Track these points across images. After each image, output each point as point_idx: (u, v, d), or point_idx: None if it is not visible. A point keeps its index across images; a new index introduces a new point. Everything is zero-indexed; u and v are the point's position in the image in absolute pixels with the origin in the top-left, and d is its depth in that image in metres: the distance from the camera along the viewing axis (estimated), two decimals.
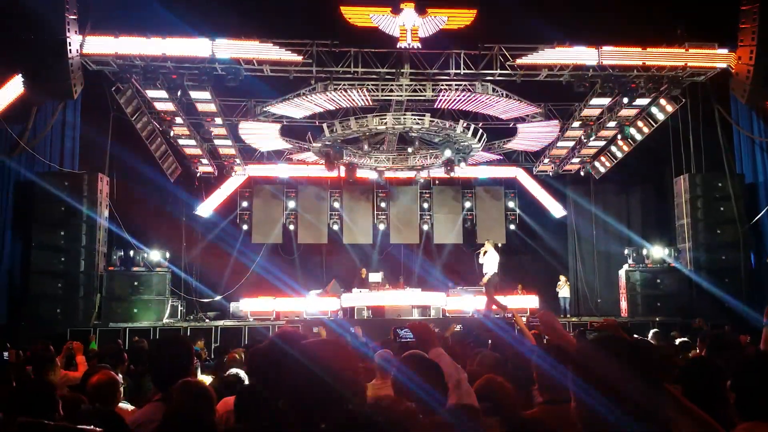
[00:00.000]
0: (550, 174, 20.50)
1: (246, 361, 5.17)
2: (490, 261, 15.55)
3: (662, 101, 15.59)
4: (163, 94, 14.46)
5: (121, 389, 4.53)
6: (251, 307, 16.99)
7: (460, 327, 10.88)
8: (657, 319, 15.32)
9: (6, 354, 7.20)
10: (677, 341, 8.42)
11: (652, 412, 1.98)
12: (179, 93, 14.55)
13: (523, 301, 17.37)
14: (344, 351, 2.49)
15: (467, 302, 17.21)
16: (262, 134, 17.50)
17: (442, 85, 15.26)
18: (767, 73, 13.80)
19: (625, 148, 17.83)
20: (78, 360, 6.90)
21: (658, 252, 17.14)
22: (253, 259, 20.03)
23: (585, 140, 17.96)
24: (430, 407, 3.09)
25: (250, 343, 12.45)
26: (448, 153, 16.87)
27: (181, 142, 17.26)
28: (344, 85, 14.96)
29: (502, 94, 15.37)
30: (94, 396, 4.45)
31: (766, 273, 15.47)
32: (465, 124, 15.83)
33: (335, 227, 20.96)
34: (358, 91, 15.05)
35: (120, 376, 5.00)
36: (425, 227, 21.35)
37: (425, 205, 21.43)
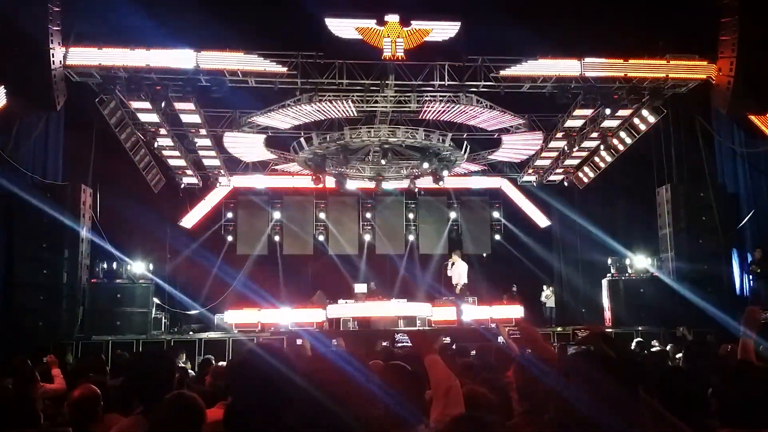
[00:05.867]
0: (535, 184, 20.65)
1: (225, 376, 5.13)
2: (459, 272, 15.54)
3: (644, 112, 15.75)
4: (147, 105, 14.43)
5: (102, 403, 4.49)
6: (236, 319, 16.87)
7: (448, 339, 10.91)
8: (640, 328, 15.40)
9: None
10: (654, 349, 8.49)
11: (629, 423, 2.01)
12: (163, 104, 14.54)
13: (509, 311, 17.39)
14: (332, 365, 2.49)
15: (453, 313, 17.29)
16: (246, 145, 17.49)
17: (427, 96, 15.35)
18: (747, 84, 13.98)
19: (609, 159, 17.99)
20: (54, 373, 6.86)
21: (641, 261, 17.25)
22: (238, 270, 19.94)
23: (568, 151, 18.11)
24: (403, 421, 3.10)
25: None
26: (426, 165, 16.92)
27: (165, 153, 17.21)
28: (329, 96, 15.01)
29: (486, 105, 15.49)
30: (75, 409, 4.42)
31: (749, 281, 15.60)
32: (440, 138, 15.87)
33: (321, 238, 20.94)
34: (343, 103, 15.10)
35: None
36: (411, 237, 21.38)
37: (411, 216, 21.47)
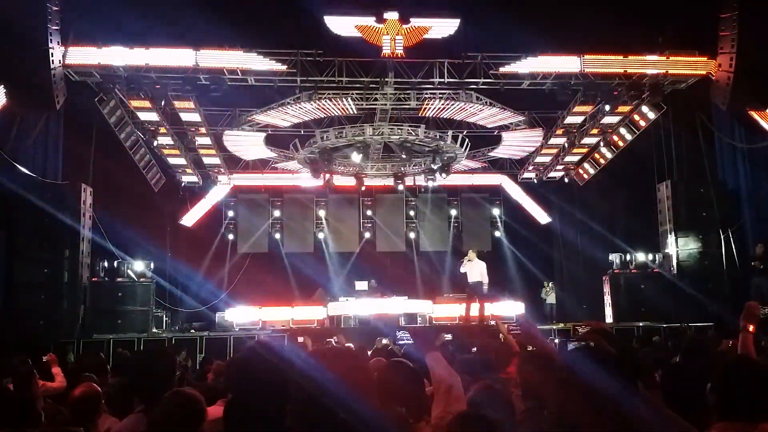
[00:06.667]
0: (535, 181, 20.66)
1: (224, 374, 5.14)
2: (474, 270, 15.62)
3: (644, 108, 15.75)
4: (146, 104, 14.45)
5: (103, 401, 4.50)
6: (237, 317, 16.91)
7: (449, 336, 10.90)
8: (641, 324, 15.40)
9: None
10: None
11: (626, 418, 2.01)
12: (163, 103, 14.53)
13: (509, 308, 17.41)
14: (340, 357, 2.49)
15: (455, 310, 17.38)
16: (246, 143, 17.49)
17: (427, 93, 15.34)
18: (747, 80, 13.96)
19: (609, 155, 18.00)
20: (54, 371, 6.87)
21: (641, 257, 17.26)
22: (239, 268, 19.97)
23: (568, 147, 18.11)
24: (413, 412, 3.12)
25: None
26: (431, 162, 16.95)
27: (165, 152, 17.22)
28: (329, 94, 14.99)
29: (486, 102, 15.48)
30: (76, 408, 4.42)
31: (750, 278, 15.58)
32: (437, 135, 15.91)
33: (321, 236, 20.95)
34: (342, 101, 15.09)
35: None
36: (411, 235, 21.39)
37: (411, 213, 21.48)
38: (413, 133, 16.03)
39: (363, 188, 19.35)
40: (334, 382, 2.09)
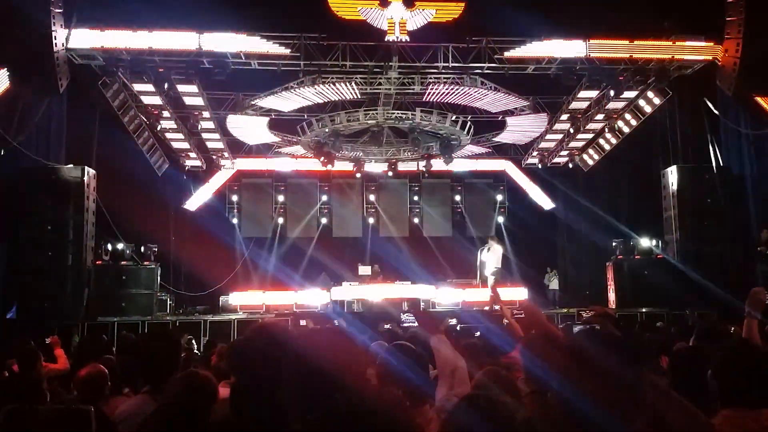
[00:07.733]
0: (539, 167, 20.58)
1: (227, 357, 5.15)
2: (493, 257, 15.77)
3: (649, 94, 15.65)
4: (150, 87, 14.40)
5: (109, 383, 4.52)
6: (240, 300, 16.96)
7: (455, 321, 10.91)
8: (645, 310, 15.41)
9: None
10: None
11: (634, 401, 2.01)
12: (166, 86, 14.49)
13: (513, 294, 17.42)
14: (335, 338, 2.49)
15: (458, 295, 17.41)
16: (250, 128, 17.44)
17: (431, 78, 15.26)
18: (753, 65, 13.88)
19: (613, 141, 17.92)
20: (57, 353, 6.92)
21: (645, 243, 17.22)
22: (243, 252, 20.00)
23: (573, 133, 18.03)
24: (416, 395, 3.12)
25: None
26: (436, 146, 16.93)
27: (168, 135, 17.18)
28: (332, 78, 14.93)
29: (491, 87, 15.40)
30: (82, 389, 4.44)
31: (754, 263, 15.55)
32: (453, 118, 15.89)
33: (324, 220, 20.96)
34: (346, 85, 15.03)
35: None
36: (415, 220, 21.38)
37: (415, 198, 21.47)
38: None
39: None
40: (329, 362, 2.09)
